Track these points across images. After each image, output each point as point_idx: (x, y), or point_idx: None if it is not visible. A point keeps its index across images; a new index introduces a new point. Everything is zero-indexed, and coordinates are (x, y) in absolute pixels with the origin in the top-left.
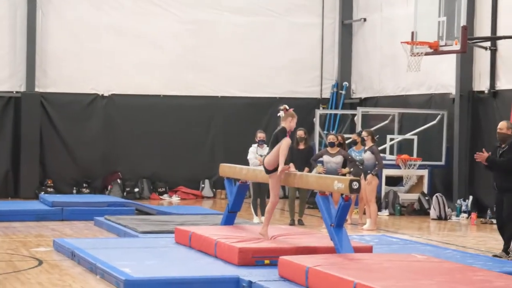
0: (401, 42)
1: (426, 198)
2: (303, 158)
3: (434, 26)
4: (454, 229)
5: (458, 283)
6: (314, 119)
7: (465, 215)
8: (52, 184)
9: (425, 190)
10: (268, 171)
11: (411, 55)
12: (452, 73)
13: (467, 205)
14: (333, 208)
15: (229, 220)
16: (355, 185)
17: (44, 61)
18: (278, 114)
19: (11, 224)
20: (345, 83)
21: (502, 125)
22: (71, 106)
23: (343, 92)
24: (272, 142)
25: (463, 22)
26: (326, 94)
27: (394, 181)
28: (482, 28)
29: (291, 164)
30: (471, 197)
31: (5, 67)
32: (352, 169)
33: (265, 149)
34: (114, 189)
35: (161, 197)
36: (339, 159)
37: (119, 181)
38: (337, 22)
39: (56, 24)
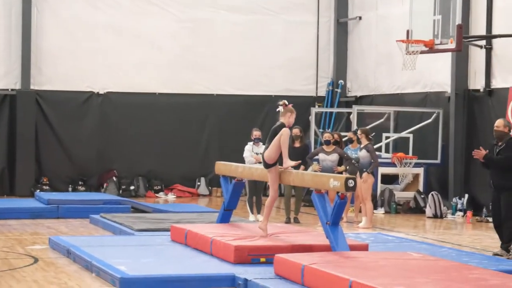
0: (397, 41)
1: (422, 196)
2: (298, 156)
3: (430, 25)
4: (450, 227)
5: (454, 281)
6: (310, 117)
7: (461, 213)
8: (47, 182)
9: (421, 188)
10: (268, 166)
11: (406, 54)
12: (448, 72)
13: (462, 203)
14: (329, 206)
15: (225, 218)
16: (350, 183)
17: (39, 58)
18: (277, 109)
19: (6, 222)
20: (341, 81)
21: (499, 122)
22: (67, 104)
23: (339, 90)
24: (270, 137)
25: (458, 20)
26: (322, 92)
27: (390, 179)
28: (478, 27)
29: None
30: (466, 195)
31: (0, 65)
32: (348, 167)
33: (261, 147)
34: (110, 187)
35: (156, 195)
36: (334, 157)
37: (114, 179)
38: (333, 21)
39: (51, 21)
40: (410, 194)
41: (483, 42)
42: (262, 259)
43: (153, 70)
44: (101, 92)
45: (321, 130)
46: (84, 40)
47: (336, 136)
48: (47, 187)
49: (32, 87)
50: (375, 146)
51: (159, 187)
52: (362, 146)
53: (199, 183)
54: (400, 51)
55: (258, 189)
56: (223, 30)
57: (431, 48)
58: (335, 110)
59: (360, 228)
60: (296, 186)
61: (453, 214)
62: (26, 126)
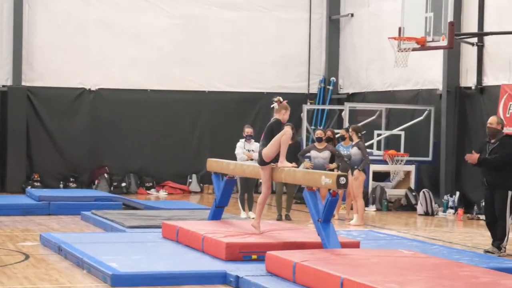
0: (389, 38)
1: (413, 193)
2: (290, 153)
3: (421, 22)
4: (441, 224)
5: (445, 278)
6: (302, 114)
7: (452, 210)
8: (39, 179)
9: (412, 185)
10: (263, 163)
11: (398, 51)
12: (439, 69)
13: (454, 201)
14: (320, 203)
15: (216, 215)
16: (342, 180)
17: (30, 55)
18: (272, 106)
19: None
20: (333, 79)
21: (492, 120)
22: (58, 100)
23: (331, 87)
24: (267, 134)
25: (450, 18)
26: (314, 89)
27: (381, 176)
28: (469, 24)
29: (293, 163)
30: (458, 193)
31: None
32: (339, 165)
33: (253, 144)
34: (101, 184)
35: (148, 191)
36: (326, 154)
37: (106, 175)
38: (325, 18)
39: (43, 17)
40: (401, 192)
41: (474, 40)
42: (254, 256)
43: (145, 66)
44: (93, 88)
45: (312, 127)
46: (76, 36)
47: (329, 133)
48: (38, 184)
49: (23, 83)
50: (366, 144)
51: (151, 184)
52: (353, 143)
53: (190, 180)
54: (392, 48)
55: (250, 186)
56: (216, 27)
57: (423, 46)
58: (327, 107)
59: (352, 225)
60: (288, 183)
61: (444, 211)
62: (17, 123)
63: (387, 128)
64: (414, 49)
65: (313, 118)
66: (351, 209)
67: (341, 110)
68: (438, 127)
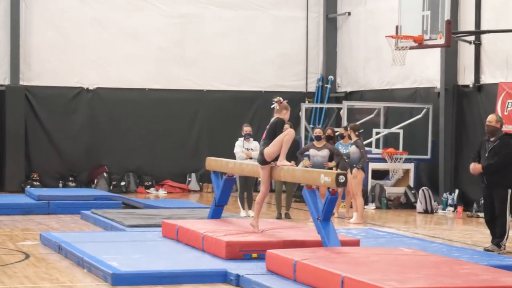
0: (386, 36)
1: (413, 191)
2: (289, 152)
3: (419, 20)
4: (441, 222)
5: (445, 276)
6: (300, 113)
7: (451, 208)
8: (38, 178)
9: (411, 183)
10: (264, 162)
11: (395, 49)
12: (437, 67)
13: (453, 199)
14: (320, 201)
15: (216, 213)
16: (341, 178)
17: (28, 54)
18: (272, 106)
19: None
20: (330, 77)
21: (491, 118)
22: (56, 100)
23: (329, 86)
24: (269, 133)
25: (447, 16)
26: (312, 88)
27: (380, 174)
28: (466, 22)
29: (292, 162)
30: (457, 191)
31: None
32: (339, 163)
33: (252, 142)
34: (101, 183)
35: (147, 190)
36: (325, 152)
37: (105, 174)
38: (322, 16)
39: (40, 17)
40: (400, 190)
41: (472, 38)
42: (254, 255)
43: (143, 65)
44: (91, 87)
45: (311, 125)
46: (73, 35)
47: (329, 131)
48: (38, 183)
49: (21, 82)
50: (365, 142)
51: (150, 183)
52: (352, 142)
53: (190, 179)
54: (389, 46)
55: (249, 184)
56: (213, 26)
57: (420, 44)
58: (325, 105)
59: (351, 223)
60: (287, 181)
61: (443, 209)
62: (15, 122)
63: (385, 127)
64: (411, 48)
65: (311, 117)
66: (351, 207)
67: (339, 109)
68: (436, 125)
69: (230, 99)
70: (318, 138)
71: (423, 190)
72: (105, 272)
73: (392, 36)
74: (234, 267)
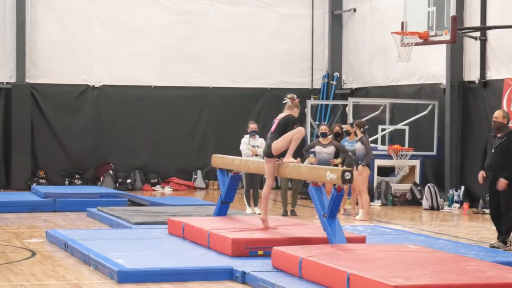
0: (391, 33)
1: (418, 188)
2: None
3: (424, 16)
4: (446, 219)
5: (451, 273)
6: (306, 110)
7: (457, 205)
8: (44, 175)
9: (417, 180)
10: (270, 155)
11: (401, 46)
12: (443, 63)
13: (459, 195)
14: (326, 198)
15: (222, 211)
16: (347, 175)
17: (34, 52)
18: (284, 102)
19: (3, 216)
20: (336, 74)
21: (498, 114)
22: (62, 97)
23: (334, 82)
24: (280, 128)
25: (452, 12)
26: (317, 84)
27: (386, 171)
28: (472, 18)
29: (298, 159)
30: (462, 187)
31: None
32: (344, 160)
33: (258, 139)
34: (107, 180)
35: (153, 188)
36: (331, 149)
37: (111, 172)
38: (327, 13)
39: (46, 14)
40: (406, 186)
41: (477, 34)
42: (260, 252)
43: (148, 63)
44: (97, 85)
45: (317, 122)
46: (79, 33)
47: (337, 128)
48: (44, 181)
49: (27, 80)
50: (371, 139)
51: (156, 180)
52: (357, 138)
53: (195, 176)
54: (395, 43)
55: (255, 181)
56: (218, 23)
57: (426, 40)
58: (330, 102)
59: (357, 220)
60: (293, 178)
61: (449, 206)
62: (21, 120)
63: (391, 123)
64: (417, 44)
65: (317, 114)
66: (357, 204)
67: (345, 105)
68: (442, 122)
69: (236, 96)
70: (324, 135)
71: (429, 186)
72: (111, 269)
73: (397, 33)
74: (240, 264)
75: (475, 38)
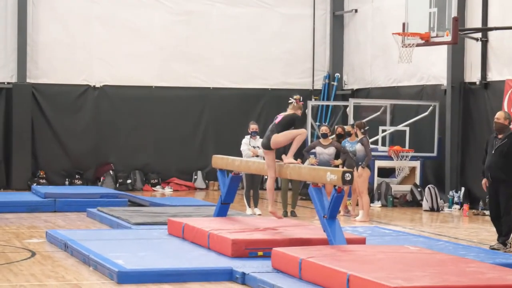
0: (393, 34)
1: (419, 189)
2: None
3: (425, 17)
4: (447, 220)
5: (451, 274)
6: (306, 111)
7: (457, 206)
8: (44, 176)
9: (417, 181)
10: (269, 147)
11: (402, 47)
12: (444, 65)
13: (459, 197)
14: (326, 199)
15: (222, 211)
16: (347, 176)
17: (35, 52)
18: (290, 101)
19: (3, 216)
20: (337, 75)
21: (499, 115)
22: (63, 97)
23: (335, 83)
24: (284, 123)
25: (454, 13)
26: (318, 85)
27: (386, 172)
28: (473, 19)
29: (299, 160)
30: (463, 189)
31: None
32: (345, 161)
33: (258, 140)
34: (107, 181)
35: (153, 188)
36: (331, 150)
37: (111, 172)
38: (328, 13)
39: (47, 14)
40: (406, 187)
41: (479, 35)
42: (260, 253)
43: (149, 63)
44: (97, 85)
45: (317, 123)
46: (80, 33)
47: (339, 129)
48: (44, 181)
49: (28, 80)
50: (371, 140)
51: (156, 180)
52: (358, 139)
53: (196, 177)
54: (396, 44)
55: (255, 182)
56: (219, 23)
57: (427, 41)
58: (331, 103)
59: (357, 221)
60: (293, 179)
61: (449, 207)
62: (22, 120)
63: (391, 124)
64: (418, 45)
65: (317, 114)
66: (357, 205)
67: (346, 106)
68: (443, 123)
69: (237, 97)
70: (325, 135)
71: (429, 188)
72: (111, 270)
73: (399, 33)
74: (240, 265)
75: (476, 39)
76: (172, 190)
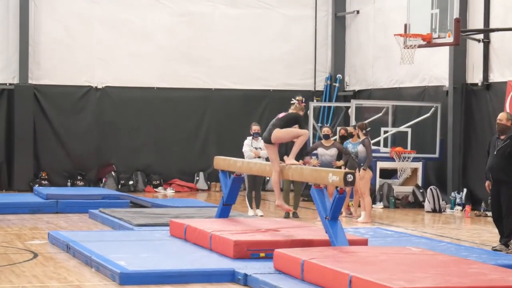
0: (394, 35)
1: (421, 190)
2: None
3: (427, 18)
4: (449, 221)
5: (453, 275)
6: (308, 112)
7: (459, 207)
8: (46, 177)
9: (419, 182)
10: (269, 142)
11: (404, 48)
12: (445, 66)
13: (461, 198)
14: (328, 200)
15: (224, 212)
16: (349, 177)
17: (37, 53)
18: (292, 102)
19: (5, 217)
20: (339, 76)
21: (502, 116)
22: (65, 98)
23: (337, 84)
24: (288, 120)
25: (456, 14)
26: (320, 86)
27: (388, 173)
28: (475, 21)
29: (301, 161)
30: (465, 190)
31: None
32: (347, 162)
33: (260, 141)
34: (109, 182)
35: (155, 189)
36: (333, 151)
37: (113, 173)
38: (330, 15)
39: (49, 16)
40: (408, 189)
41: (481, 36)
42: (262, 254)
43: (151, 64)
44: (99, 86)
45: (319, 124)
46: (82, 34)
47: (343, 131)
48: (46, 182)
49: (30, 81)
50: (373, 141)
51: (158, 181)
52: (360, 140)
53: (198, 178)
54: (398, 45)
55: (257, 183)
56: (221, 24)
57: (429, 42)
58: (333, 104)
59: (359, 222)
60: (295, 180)
61: (451, 208)
62: (24, 121)
63: (393, 125)
64: (420, 46)
65: (319, 116)
66: (359, 206)
67: (348, 107)
68: (445, 124)
69: (239, 98)
70: (326, 137)
71: (431, 189)
72: (113, 271)
73: (400, 35)
74: (242, 267)
75: (478, 41)
76: (174, 191)
